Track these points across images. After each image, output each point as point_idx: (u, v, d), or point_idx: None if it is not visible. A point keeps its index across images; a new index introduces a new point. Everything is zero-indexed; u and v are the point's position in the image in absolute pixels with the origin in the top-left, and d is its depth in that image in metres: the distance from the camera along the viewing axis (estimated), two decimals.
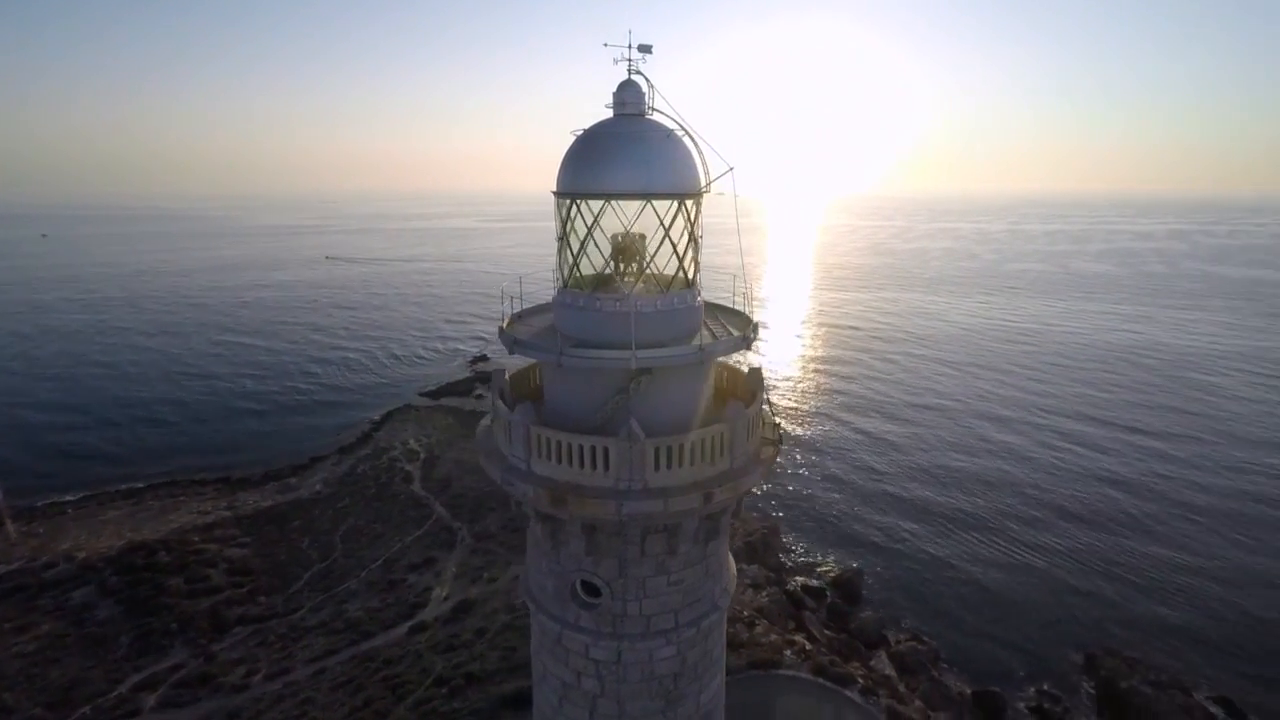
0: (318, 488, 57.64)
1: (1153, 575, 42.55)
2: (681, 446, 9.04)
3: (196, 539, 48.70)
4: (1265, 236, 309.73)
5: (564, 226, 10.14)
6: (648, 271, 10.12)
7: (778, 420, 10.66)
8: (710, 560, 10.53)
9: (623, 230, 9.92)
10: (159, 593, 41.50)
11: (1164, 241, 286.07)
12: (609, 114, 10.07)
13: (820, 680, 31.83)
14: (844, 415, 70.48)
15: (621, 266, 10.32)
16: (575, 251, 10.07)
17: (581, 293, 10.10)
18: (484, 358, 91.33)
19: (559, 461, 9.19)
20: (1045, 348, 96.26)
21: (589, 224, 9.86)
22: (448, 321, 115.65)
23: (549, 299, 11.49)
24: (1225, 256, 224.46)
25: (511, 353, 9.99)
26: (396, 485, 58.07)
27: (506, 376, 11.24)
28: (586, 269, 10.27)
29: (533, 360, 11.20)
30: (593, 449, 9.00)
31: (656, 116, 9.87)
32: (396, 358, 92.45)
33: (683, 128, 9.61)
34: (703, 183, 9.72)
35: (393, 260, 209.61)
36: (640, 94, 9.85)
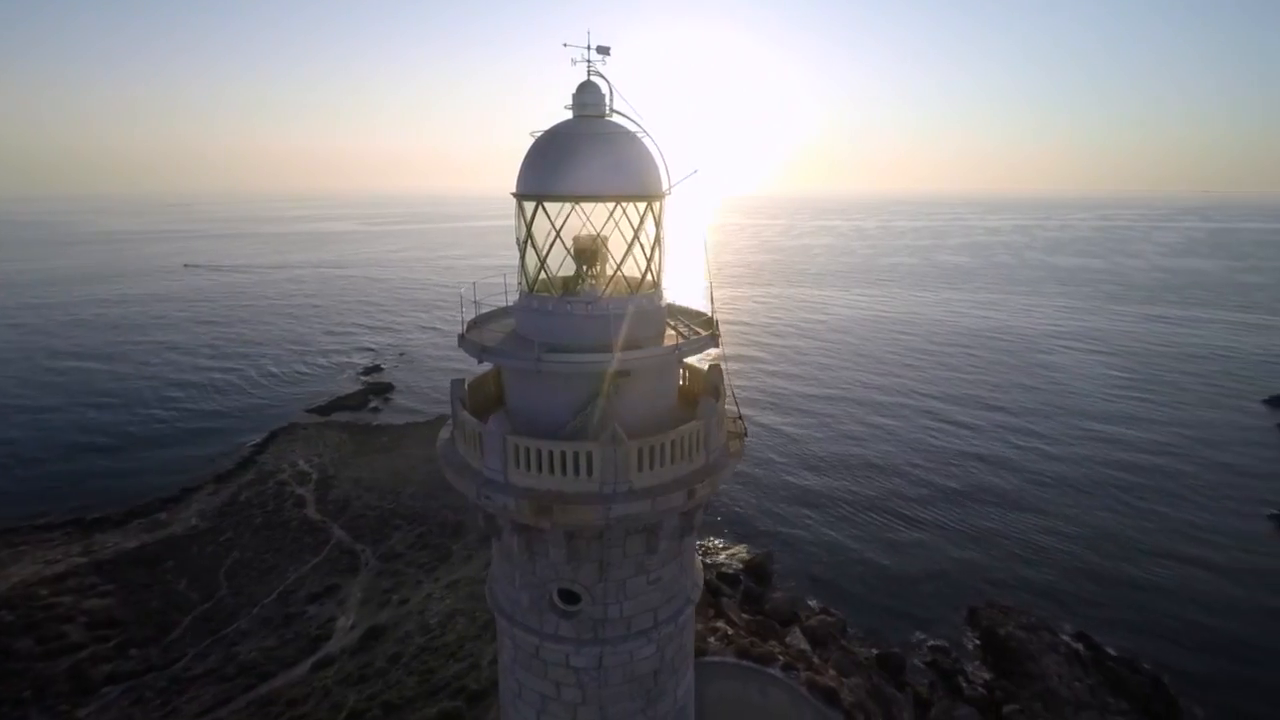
0: (193, 522, 52.06)
1: (1017, 536, 47.79)
2: (663, 446, 9.13)
3: (45, 592, 42.55)
4: (1087, 230, 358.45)
5: (526, 229, 9.90)
6: (616, 273, 10.08)
7: (740, 413, 11.01)
8: (684, 555, 10.71)
9: (585, 233, 9.85)
10: (5, 657, 35.91)
11: (1009, 236, 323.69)
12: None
13: (744, 662, 32.93)
14: (741, 410, 73.17)
15: (585, 269, 10.24)
16: (542, 255, 9.86)
17: (551, 296, 9.92)
18: (376, 368, 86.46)
19: (539, 470, 8.98)
20: (917, 334, 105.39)
21: (553, 227, 9.70)
22: (329, 333, 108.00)
23: (487, 304, 11.22)
24: (1058, 248, 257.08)
25: (480, 360, 9.63)
26: (287, 511, 53.64)
27: (466, 385, 10.79)
28: (539, 272, 10.08)
29: (483, 369, 10.84)
30: (575, 455, 8.88)
31: (615, 118, 9.88)
32: (274, 375, 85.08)
33: (643, 130, 9.70)
34: (665, 184, 9.85)
35: (262, 267, 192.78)
36: (601, 95, 9.83)
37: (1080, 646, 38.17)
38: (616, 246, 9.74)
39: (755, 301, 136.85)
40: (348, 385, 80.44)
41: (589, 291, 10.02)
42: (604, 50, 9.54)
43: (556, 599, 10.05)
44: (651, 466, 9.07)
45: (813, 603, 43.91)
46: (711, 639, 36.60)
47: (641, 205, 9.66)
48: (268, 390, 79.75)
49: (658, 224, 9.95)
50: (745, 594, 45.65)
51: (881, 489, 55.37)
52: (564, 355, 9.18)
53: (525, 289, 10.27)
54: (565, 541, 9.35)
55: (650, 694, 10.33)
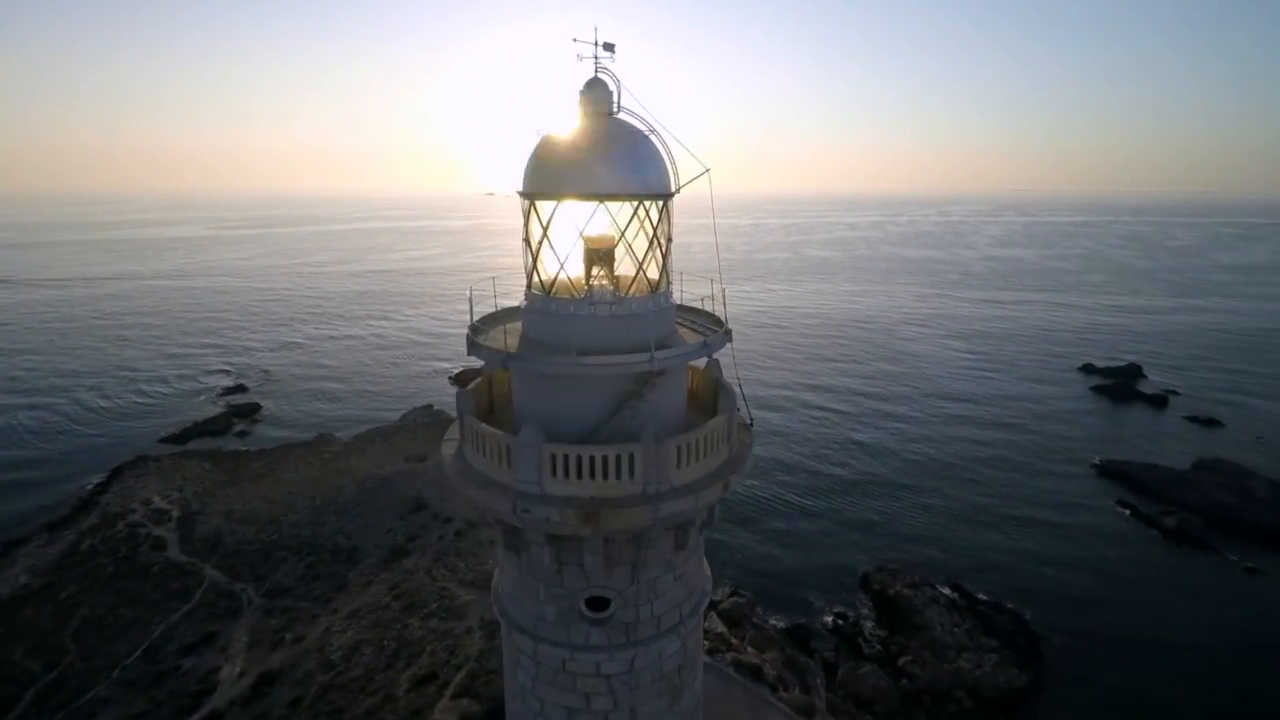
0: (23, 580, 44.01)
1: (894, 506, 52.51)
2: (698, 442, 9.20)
3: None
4: (930, 225, 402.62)
5: (542, 229, 9.52)
6: (618, 273, 9.97)
7: (745, 404, 11.32)
8: (700, 549, 10.84)
9: (595, 233, 9.64)
10: None
11: (866, 231, 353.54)
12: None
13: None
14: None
15: (594, 269, 10.03)
16: (560, 256, 9.52)
17: (572, 299, 9.61)
18: (238, 389, 77.77)
19: (578, 477, 8.70)
20: (791, 326, 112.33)
21: (567, 227, 9.42)
22: (171, 356, 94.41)
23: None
24: (907, 241, 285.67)
25: (504, 367, 9.11)
26: (145, 556, 46.83)
27: (470, 396, 10.17)
28: (558, 273, 9.75)
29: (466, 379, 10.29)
30: (617, 458, 8.70)
31: (623, 116, 9.75)
32: (104, 408, 73.20)
33: (651, 128, 9.66)
34: (674, 183, 9.87)
35: (77, 280, 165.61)
36: (609, 93, 9.66)
37: (956, 596, 42.66)
38: (643, 246, 9.60)
39: None
40: (205, 409, 71.43)
41: (599, 292, 9.84)
42: (610, 47, 9.41)
43: (584, 608, 9.81)
44: (688, 463, 9.12)
45: (725, 584, 45.38)
46: None
47: (654, 204, 9.64)
48: (101, 424, 68.90)
49: (669, 223, 9.97)
50: None
51: (766, 475, 58.22)
52: (602, 358, 8.97)
53: (540, 291, 9.87)
54: (603, 547, 9.16)
55: (675, 690, 10.37)
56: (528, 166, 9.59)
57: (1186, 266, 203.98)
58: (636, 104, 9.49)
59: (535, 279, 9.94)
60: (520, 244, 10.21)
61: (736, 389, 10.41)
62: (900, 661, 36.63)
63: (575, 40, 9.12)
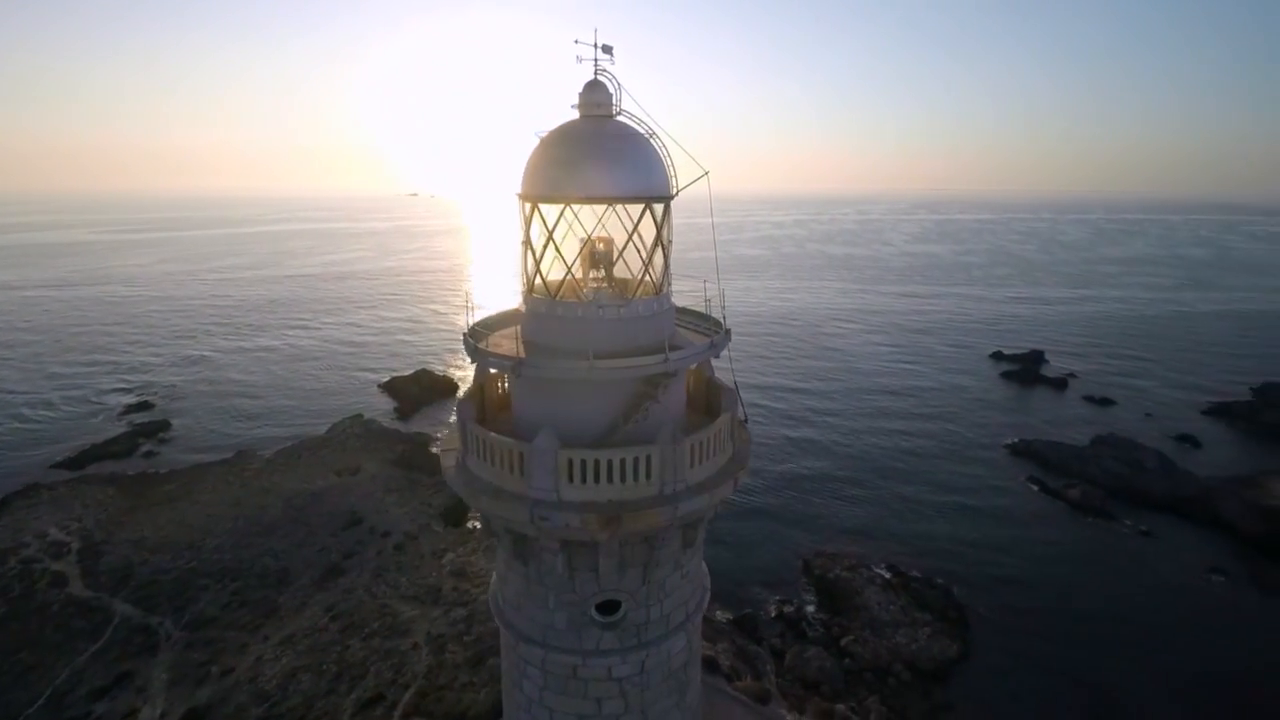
0: None
1: (830, 493, 54.65)
2: (708, 440, 9.29)
3: None
4: (850, 223, 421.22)
5: (546, 233, 9.33)
6: (629, 276, 9.92)
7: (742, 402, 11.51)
8: (702, 545, 10.96)
9: (596, 235, 9.56)
10: None
11: (792, 229, 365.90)
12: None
13: None
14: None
15: (593, 272, 9.94)
16: (568, 260, 9.37)
17: (579, 302, 9.47)
18: (142, 406, 71.59)
19: (595, 481, 8.59)
20: (729, 323, 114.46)
21: (571, 229, 9.29)
22: (54, 375, 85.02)
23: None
24: (829, 239, 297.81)
25: (516, 374, 8.86)
26: (43, 594, 42.32)
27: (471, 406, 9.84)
28: (566, 275, 9.59)
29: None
30: (635, 460, 8.66)
31: (622, 118, 9.70)
32: None
33: (652, 130, 9.68)
34: (674, 185, 9.93)
35: None
36: (609, 94, 9.60)
37: (890, 576, 44.85)
38: (648, 247, 9.58)
39: None
40: (104, 430, 65.20)
41: (601, 294, 9.77)
42: (609, 49, 9.36)
43: (595, 612, 9.71)
44: (701, 461, 9.21)
45: None
46: None
47: (658, 207, 9.67)
48: None
49: (670, 225, 10.02)
50: None
51: None
52: (618, 361, 8.91)
53: (544, 294, 9.67)
54: (618, 550, 9.10)
55: (682, 687, 10.45)
56: (529, 169, 9.40)
57: (1077, 259, 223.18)
58: (635, 106, 9.52)
59: (537, 282, 9.74)
60: (520, 246, 9.98)
61: (732, 386, 10.60)
62: (843, 642, 38.00)
63: (577, 42, 9.06)
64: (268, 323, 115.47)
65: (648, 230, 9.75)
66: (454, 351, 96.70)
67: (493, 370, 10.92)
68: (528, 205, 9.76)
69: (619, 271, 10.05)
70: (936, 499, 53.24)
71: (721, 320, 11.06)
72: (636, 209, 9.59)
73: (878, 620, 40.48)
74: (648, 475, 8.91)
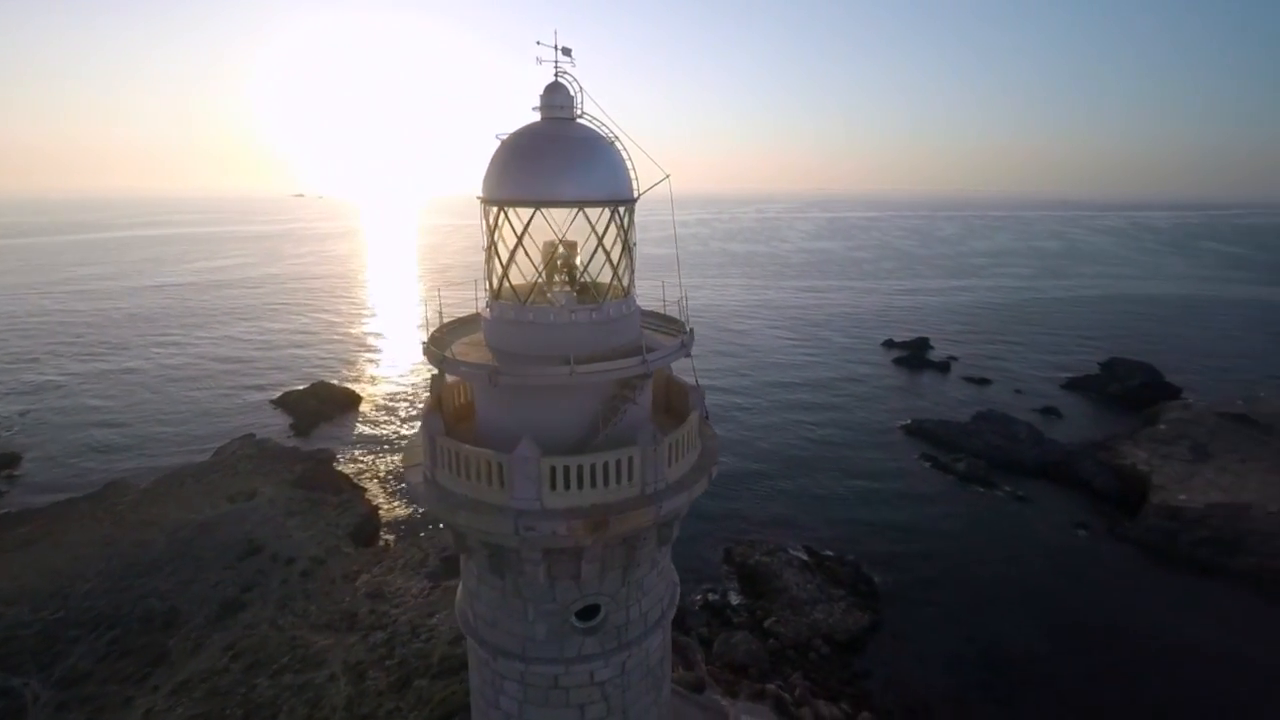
0: None
1: (745, 482, 56.47)
2: (683, 439, 9.41)
3: None
4: (750, 221, 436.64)
5: (516, 236, 9.06)
6: (582, 279, 9.85)
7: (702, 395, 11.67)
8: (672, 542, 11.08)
9: (557, 238, 9.43)
10: None
11: (695, 228, 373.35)
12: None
13: None
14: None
15: (557, 276, 9.79)
16: (522, 262, 9.12)
17: (551, 306, 9.27)
18: None
19: (579, 487, 8.47)
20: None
21: (530, 233, 9.09)
22: None
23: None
24: (731, 237, 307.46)
25: (492, 383, 8.53)
26: None
27: (436, 416, 9.39)
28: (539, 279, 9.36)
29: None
30: (618, 463, 8.62)
31: (584, 120, 9.61)
32: None
33: (614, 133, 9.66)
34: (636, 188, 9.96)
35: None
36: (570, 97, 9.47)
37: (806, 556, 47.12)
38: (585, 251, 9.56)
39: (480, 303, 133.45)
40: None
41: (566, 298, 9.65)
42: (568, 51, 9.25)
43: (575, 619, 9.59)
44: (678, 460, 9.32)
45: None
46: None
47: (622, 210, 9.68)
48: None
49: (631, 228, 10.05)
50: None
51: None
52: (598, 365, 8.82)
53: (513, 299, 9.40)
54: (601, 553, 9.03)
55: (658, 683, 10.54)
56: (494, 172, 9.14)
57: (953, 253, 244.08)
58: (596, 108, 9.50)
59: (504, 287, 9.49)
60: (483, 251, 9.66)
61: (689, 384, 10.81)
62: (766, 624, 39.47)
63: (539, 43, 8.89)
64: (130, 340, 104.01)
65: (611, 232, 9.75)
66: (352, 361, 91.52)
67: (450, 379, 10.52)
68: (493, 209, 9.49)
69: (604, 275, 9.99)
70: (843, 481, 56.46)
71: (685, 320, 11.25)
72: (597, 213, 9.57)
73: (797, 600, 42.32)
74: (630, 477, 8.95)
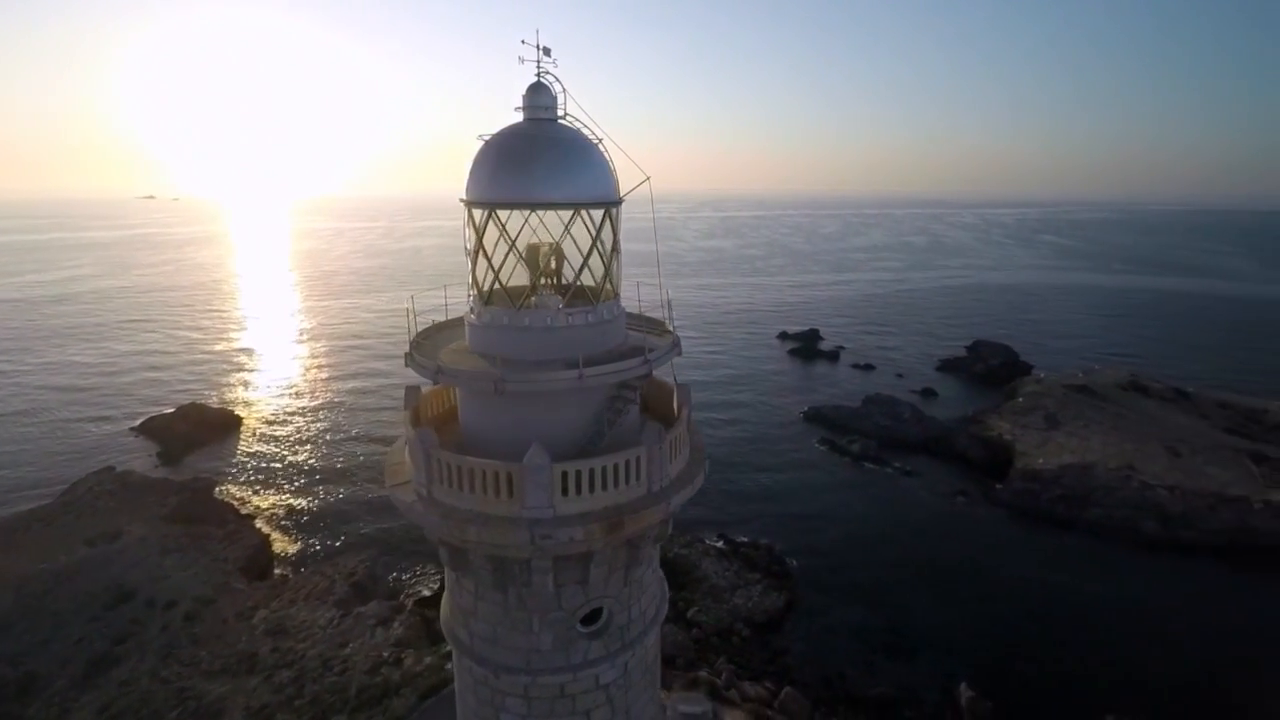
0: None
1: None
2: (681, 435, 9.51)
3: None
4: (645, 222, 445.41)
5: (510, 240, 8.75)
6: (577, 281, 9.71)
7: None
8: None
9: (542, 241, 9.22)
10: None
11: None
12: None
13: None
14: (361, 432, 64.82)
15: (544, 279, 9.57)
16: (508, 266, 8.83)
17: (548, 310, 9.02)
18: None
19: (590, 491, 8.35)
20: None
21: (504, 234, 8.85)
22: None
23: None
24: (630, 237, 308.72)
25: (498, 391, 8.16)
26: None
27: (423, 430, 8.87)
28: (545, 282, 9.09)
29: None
30: (627, 463, 8.57)
31: (567, 121, 9.44)
32: None
33: (597, 134, 9.58)
34: (619, 189, 9.92)
35: None
36: (554, 98, 9.26)
37: (722, 545, 48.63)
38: (572, 253, 9.45)
39: (371, 311, 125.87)
40: None
41: (552, 299, 9.47)
42: (548, 51, 9.05)
43: (580, 625, 9.44)
44: (676, 455, 9.42)
45: None
46: (448, 665, 35.09)
47: (614, 211, 9.64)
48: None
49: (615, 230, 10.01)
50: None
51: None
52: (603, 367, 8.73)
53: (506, 304, 9.06)
54: (610, 556, 8.95)
55: (654, 679, 10.60)
56: (481, 174, 8.79)
57: (835, 249, 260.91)
58: (577, 108, 9.42)
59: (493, 291, 9.17)
60: (469, 255, 9.27)
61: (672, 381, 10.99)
62: (689, 614, 40.45)
63: (524, 42, 8.65)
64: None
65: (604, 234, 9.72)
66: (226, 380, 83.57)
67: (425, 389, 10.01)
68: (481, 212, 9.14)
69: (587, 277, 9.86)
70: (752, 468, 58.86)
71: (666, 319, 11.40)
72: (584, 214, 9.50)
73: (717, 587, 43.65)
74: (637, 476, 8.98)
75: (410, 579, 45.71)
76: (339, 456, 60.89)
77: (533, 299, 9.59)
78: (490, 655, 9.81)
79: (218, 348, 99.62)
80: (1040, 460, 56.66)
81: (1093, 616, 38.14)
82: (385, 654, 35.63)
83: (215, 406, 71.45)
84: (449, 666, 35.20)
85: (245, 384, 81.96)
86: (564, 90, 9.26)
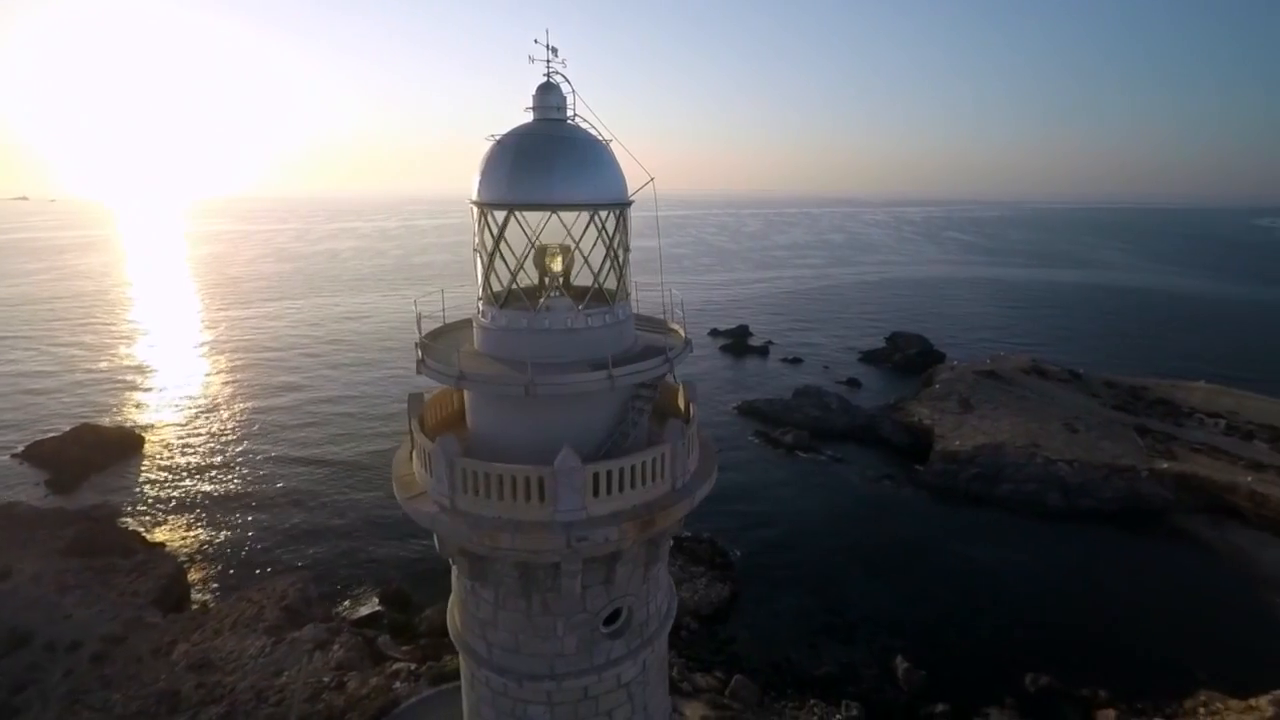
0: None
1: None
2: (695, 431, 9.64)
3: None
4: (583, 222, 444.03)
5: (529, 241, 8.56)
6: (595, 283, 9.64)
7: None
8: None
9: (553, 242, 9.10)
10: None
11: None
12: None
13: (444, 687, 31.09)
14: (279, 451, 60.62)
15: (554, 280, 9.43)
16: (520, 267, 8.66)
17: (569, 311, 8.89)
18: None
19: (620, 490, 8.33)
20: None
21: (528, 235, 8.74)
22: None
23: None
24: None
25: (528, 394, 7.96)
26: None
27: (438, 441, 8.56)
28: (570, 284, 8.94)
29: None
30: (654, 461, 8.61)
31: (577, 121, 9.33)
32: None
33: (606, 135, 9.53)
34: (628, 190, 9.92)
35: None
36: (563, 98, 9.13)
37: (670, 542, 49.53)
38: (591, 255, 9.40)
39: (285, 319, 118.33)
40: None
41: (560, 301, 9.37)
42: (555, 51, 8.93)
43: (602, 625, 9.40)
44: (692, 451, 9.55)
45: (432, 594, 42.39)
46: (397, 684, 33.92)
47: (628, 212, 9.63)
48: None
49: (627, 230, 10.00)
50: (395, 626, 42.09)
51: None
52: (630, 366, 8.72)
53: (524, 306, 8.87)
54: (635, 554, 8.96)
55: (664, 672, 10.70)
56: (497, 175, 8.58)
57: (758, 246, 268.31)
58: (584, 108, 9.37)
59: (509, 293, 8.98)
60: (485, 258, 9.02)
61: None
62: None
63: (536, 42, 8.50)
64: None
65: (618, 235, 9.72)
66: (123, 398, 76.70)
67: (426, 396, 9.67)
68: (499, 213, 8.92)
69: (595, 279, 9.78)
70: None
71: (666, 318, 11.52)
72: (604, 215, 9.46)
73: None
74: (662, 473, 9.07)
75: (347, 599, 43.60)
76: (256, 476, 56.91)
77: (543, 301, 9.48)
78: (512, 664, 9.64)
79: (107, 364, 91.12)
80: (957, 442, 60.48)
81: (1009, 584, 41.33)
82: (326, 679, 33.89)
83: (110, 427, 65.34)
84: (397, 686, 34.13)
85: (143, 402, 75.35)
86: (573, 90, 9.22)
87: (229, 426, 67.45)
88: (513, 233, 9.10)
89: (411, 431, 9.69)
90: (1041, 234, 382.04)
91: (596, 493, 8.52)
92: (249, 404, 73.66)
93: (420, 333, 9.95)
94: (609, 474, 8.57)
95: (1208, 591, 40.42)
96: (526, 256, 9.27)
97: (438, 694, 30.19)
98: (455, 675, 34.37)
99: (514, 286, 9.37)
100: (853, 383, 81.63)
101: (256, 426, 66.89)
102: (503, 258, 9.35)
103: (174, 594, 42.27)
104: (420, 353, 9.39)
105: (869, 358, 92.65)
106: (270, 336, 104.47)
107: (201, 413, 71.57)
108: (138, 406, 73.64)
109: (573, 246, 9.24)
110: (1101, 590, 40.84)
